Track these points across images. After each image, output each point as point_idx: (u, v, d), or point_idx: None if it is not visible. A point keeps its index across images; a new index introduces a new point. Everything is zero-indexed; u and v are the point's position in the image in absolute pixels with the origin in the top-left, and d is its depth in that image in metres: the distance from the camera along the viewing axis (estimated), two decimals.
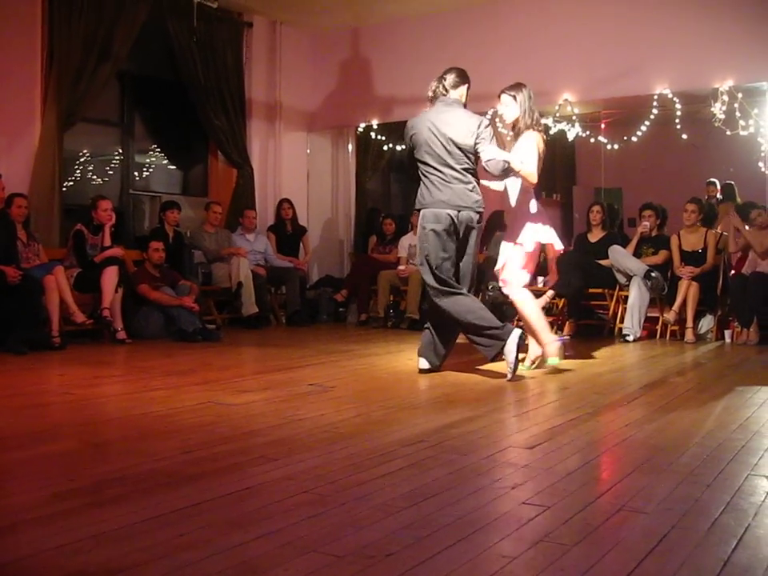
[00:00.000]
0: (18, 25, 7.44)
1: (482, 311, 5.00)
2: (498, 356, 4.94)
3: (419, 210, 5.15)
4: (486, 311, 5.04)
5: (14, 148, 7.38)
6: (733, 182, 8.64)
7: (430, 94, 5.26)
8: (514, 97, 5.25)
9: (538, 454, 3.07)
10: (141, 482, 2.68)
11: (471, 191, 5.06)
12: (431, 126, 5.07)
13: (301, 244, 9.67)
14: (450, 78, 5.23)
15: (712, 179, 10.05)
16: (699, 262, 7.67)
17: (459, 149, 5.04)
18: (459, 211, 5.01)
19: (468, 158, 5.08)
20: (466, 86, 5.28)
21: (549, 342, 5.28)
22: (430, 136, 5.05)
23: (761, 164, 8.45)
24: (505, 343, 4.83)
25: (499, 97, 5.33)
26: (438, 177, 5.04)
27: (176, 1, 8.68)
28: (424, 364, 5.17)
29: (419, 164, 5.13)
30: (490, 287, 7.89)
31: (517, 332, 4.86)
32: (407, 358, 6.00)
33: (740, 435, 3.43)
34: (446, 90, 5.20)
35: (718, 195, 9.97)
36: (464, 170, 5.06)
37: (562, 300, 8.07)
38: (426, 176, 5.09)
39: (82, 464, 2.95)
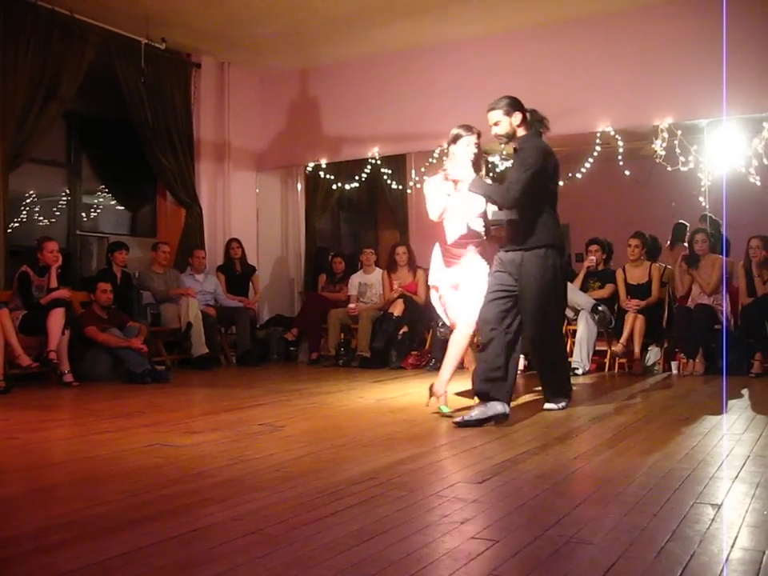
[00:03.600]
0: None
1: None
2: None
3: (548, 247, 4.93)
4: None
5: None
6: (685, 222, 8.80)
7: (525, 119, 5.00)
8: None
9: (487, 489, 3.08)
10: (86, 526, 2.63)
11: None
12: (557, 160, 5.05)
13: (250, 283, 9.64)
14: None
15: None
16: (644, 295, 7.81)
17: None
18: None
19: None
20: None
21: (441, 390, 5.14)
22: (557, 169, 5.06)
23: (701, 198, 8.67)
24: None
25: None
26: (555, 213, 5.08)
27: (124, 41, 8.69)
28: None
29: (546, 197, 4.98)
30: (440, 324, 7.93)
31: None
32: (358, 396, 5.99)
33: (686, 464, 3.47)
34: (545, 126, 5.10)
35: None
36: None
37: None
38: (551, 210, 5.04)
39: (26, 510, 2.89)
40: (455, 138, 5.14)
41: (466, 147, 5.10)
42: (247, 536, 2.47)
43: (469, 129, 5.13)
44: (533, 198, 4.84)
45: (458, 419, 4.60)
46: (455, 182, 5.11)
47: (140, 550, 2.35)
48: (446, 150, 5.27)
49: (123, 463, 3.64)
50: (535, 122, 5.01)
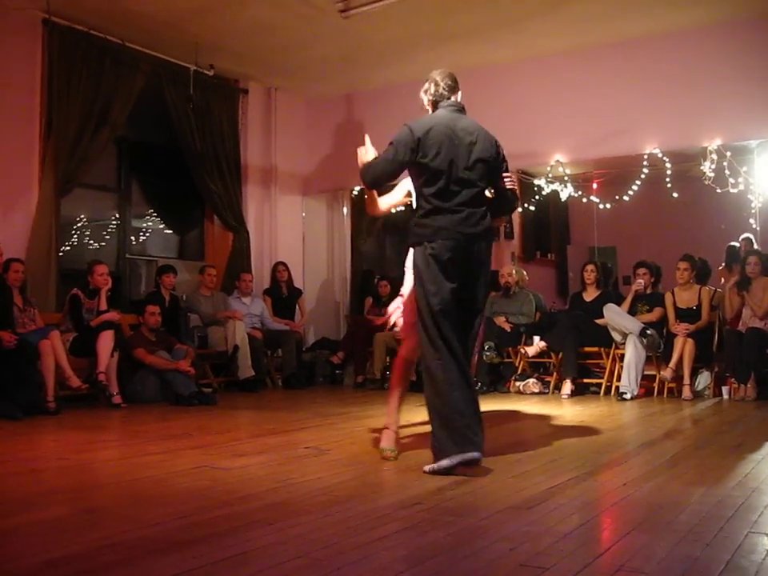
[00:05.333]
0: (17, 92, 7.57)
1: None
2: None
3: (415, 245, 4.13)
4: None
5: (11, 213, 7.45)
6: (736, 244, 8.68)
7: (429, 97, 4.37)
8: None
9: (536, 515, 3.04)
10: (134, 548, 2.64)
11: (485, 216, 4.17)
12: (451, 134, 4.13)
13: (297, 306, 9.69)
14: (449, 81, 4.39)
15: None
16: (694, 318, 7.69)
17: (482, 163, 4.16)
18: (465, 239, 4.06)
19: (489, 175, 4.22)
20: (460, 92, 4.49)
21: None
22: (449, 143, 4.10)
23: (751, 220, 8.55)
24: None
25: None
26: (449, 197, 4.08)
27: (173, 69, 8.85)
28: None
29: (424, 180, 4.13)
30: (486, 347, 7.91)
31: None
32: (404, 420, 5.94)
33: (739, 492, 3.40)
34: (448, 93, 4.36)
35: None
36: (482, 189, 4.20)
37: (558, 357, 8.08)
38: (433, 198, 4.09)
39: (75, 530, 2.91)
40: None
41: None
42: (294, 560, 2.46)
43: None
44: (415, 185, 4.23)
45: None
46: None
47: (187, 572, 2.35)
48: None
49: (171, 485, 3.66)
50: (437, 95, 4.35)
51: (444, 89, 4.36)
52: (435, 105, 4.37)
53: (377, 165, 4.27)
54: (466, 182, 4.11)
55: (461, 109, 4.36)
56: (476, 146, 4.16)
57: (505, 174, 4.32)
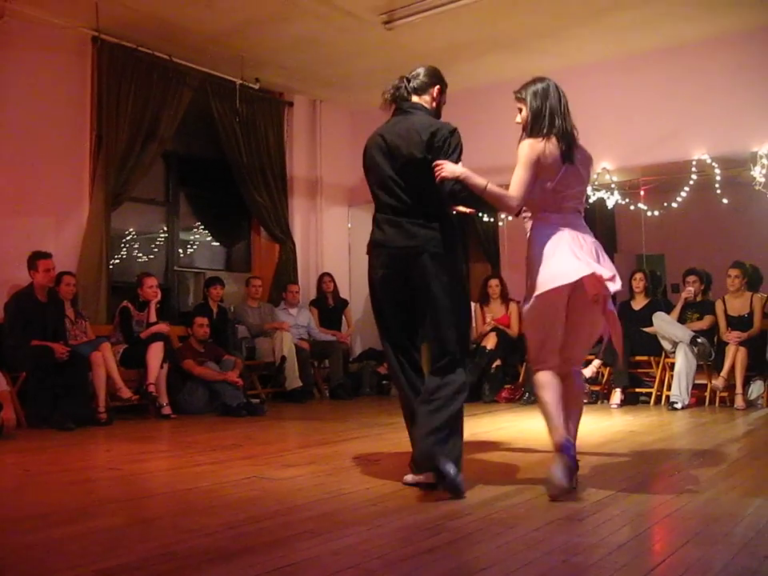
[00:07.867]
0: (69, 108, 7.72)
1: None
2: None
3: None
4: None
5: (63, 227, 7.58)
6: None
7: (386, 97, 4.06)
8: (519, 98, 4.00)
9: (588, 526, 3.00)
10: (186, 557, 2.66)
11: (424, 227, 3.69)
12: (380, 142, 3.89)
13: (343, 317, 9.71)
14: (417, 79, 4.00)
15: None
16: (746, 326, 7.56)
17: (409, 164, 3.75)
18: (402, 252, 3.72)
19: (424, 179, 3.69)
20: (437, 87, 3.99)
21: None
22: (379, 154, 3.87)
23: None
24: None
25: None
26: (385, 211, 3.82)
27: (219, 83, 8.96)
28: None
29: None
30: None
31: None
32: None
33: None
34: (408, 94, 3.99)
35: None
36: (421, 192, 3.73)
37: (607, 369, 7.99)
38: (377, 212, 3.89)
39: (128, 540, 2.95)
40: None
41: None
42: (347, 570, 2.46)
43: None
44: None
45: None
46: None
47: None
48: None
49: (221, 495, 3.68)
50: (391, 98, 4.07)
51: (401, 91, 4.01)
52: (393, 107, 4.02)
53: None
54: (397, 192, 3.75)
55: (408, 109, 3.94)
56: (401, 148, 3.77)
57: (435, 164, 3.65)
